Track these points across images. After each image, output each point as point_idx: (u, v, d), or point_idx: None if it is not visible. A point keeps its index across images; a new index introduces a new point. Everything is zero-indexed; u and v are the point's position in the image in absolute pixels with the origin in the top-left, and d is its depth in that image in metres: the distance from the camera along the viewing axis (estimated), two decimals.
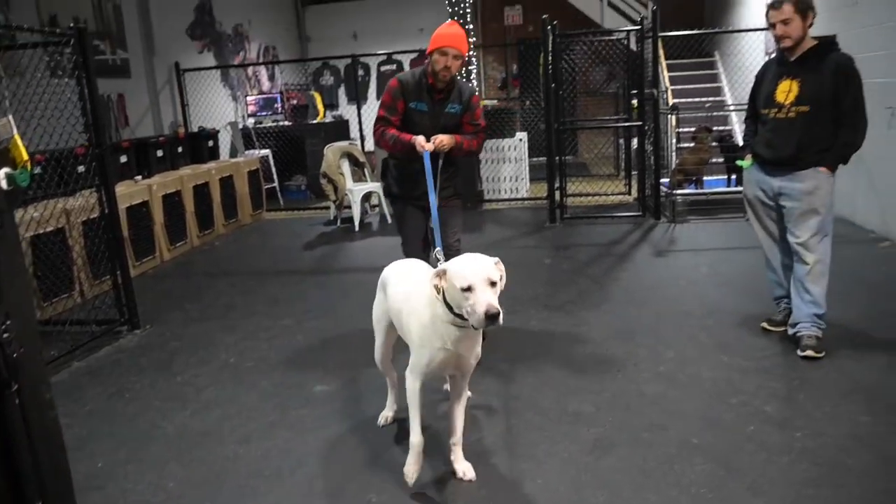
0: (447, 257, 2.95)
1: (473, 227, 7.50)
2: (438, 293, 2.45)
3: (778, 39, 3.68)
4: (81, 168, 6.74)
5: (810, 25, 3.62)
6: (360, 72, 13.11)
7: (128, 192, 6.49)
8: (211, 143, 8.87)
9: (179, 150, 8.15)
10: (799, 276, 3.73)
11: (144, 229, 6.66)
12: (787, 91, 3.66)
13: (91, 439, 3.34)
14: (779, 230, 3.89)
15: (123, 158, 7.14)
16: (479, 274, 2.32)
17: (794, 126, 3.63)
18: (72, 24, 4.62)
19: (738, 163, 4.06)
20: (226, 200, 8.15)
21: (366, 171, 8.26)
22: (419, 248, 4.07)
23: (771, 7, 3.66)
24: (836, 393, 3.23)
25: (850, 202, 6.60)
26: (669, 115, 6.91)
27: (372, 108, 11.10)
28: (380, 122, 3.89)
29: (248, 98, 10.72)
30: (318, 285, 5.81)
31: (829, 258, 3.72)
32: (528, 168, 9.38)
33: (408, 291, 2.75)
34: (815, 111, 3.58)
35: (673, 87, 10.12)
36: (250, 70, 11.28)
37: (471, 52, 8.09)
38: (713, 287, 4.98)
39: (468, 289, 2.30)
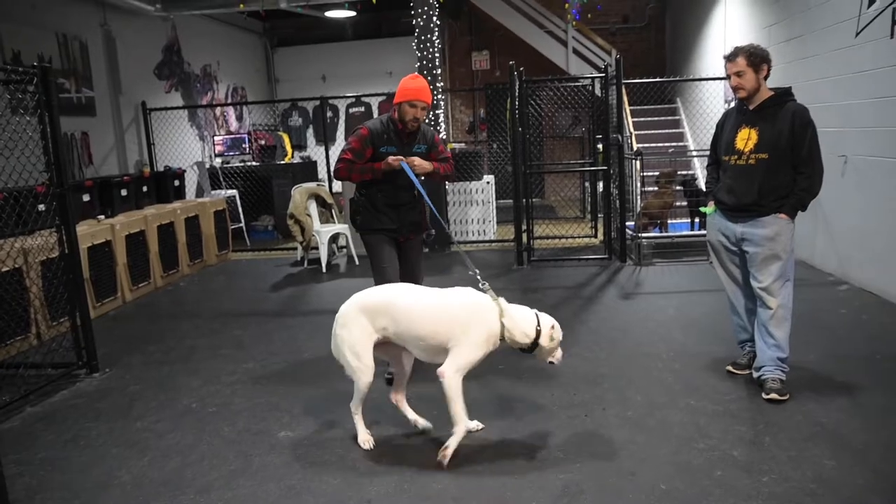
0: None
1: (442, 268, 7.51)
2: (546, 339, 3.22)
3: (734, 90, 3.82)
4: (42, 207, 6.67)
5: (766, 77, 3.76)
6: (329, 113, 13.18)
7: (90, 232, 6.36)
8: (177, 182, 8.78)
9: (144, 189, 8.04)
10: (762, 321, 3.80)
11: (106, 269, 6.52)
12: (746, 139, 3.78)
13: (42, 489, 3.20)
14: (742, 275, 3.97)
15: (86, 197, 7.01)
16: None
17: (755, 173, 3.73)
18: (35, 63, 4.55)
19: (702, 209, 4.16)
20: (191, 240, 8.04)
21: (333, 212, 8.24)
22: (396, 276, 4.23)
23: (727, 59, 3.81)
24: (800, 436, 3.26)
25: (809, 246, 6.78)
26: (634, 160, 7.05)
27: (340, 148, 11.19)
28: (344, 162, 4.14)
29: (216, 138, 10.68)
30: (284, 327, 5.72)
31: (792, 302, 3.80)
32: (495, 210, 9.47)
33: (466, 322, 3.16)
34: (774, 158, 3.70)
35: (637, 132, 10.39)
36: (218, 110, 11.27)
37: (438, 96, 8.20)
38: (680, 330, 5.04)
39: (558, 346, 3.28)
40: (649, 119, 10.79)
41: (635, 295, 6.14)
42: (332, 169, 4.24)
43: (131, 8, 8.44)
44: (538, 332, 3.20)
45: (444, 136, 12.47)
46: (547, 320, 3.26)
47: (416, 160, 4.13)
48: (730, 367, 4.11)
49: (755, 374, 3.84)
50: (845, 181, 6.00)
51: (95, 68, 8.26)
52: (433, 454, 3.26)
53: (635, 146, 10.14)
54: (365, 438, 3.43)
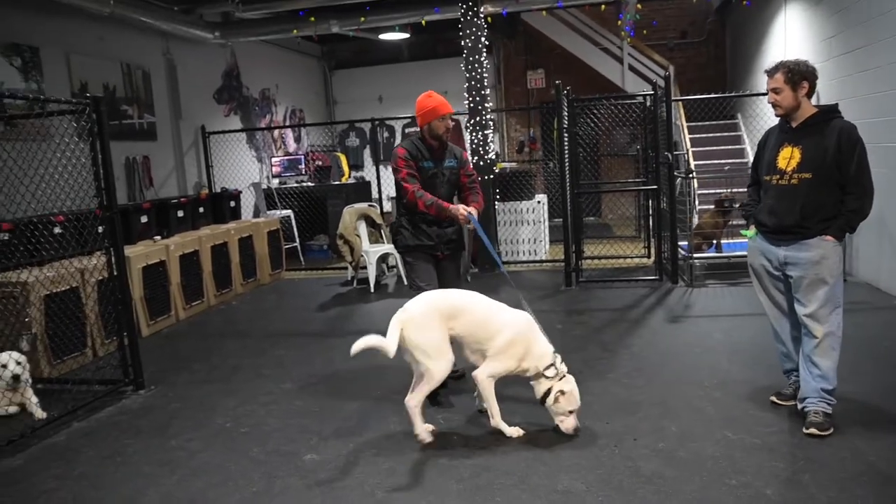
0: None
1: (489, 289, 7.38)
2: (552, 397, 3.62)
3: (772, 106, 3.65)
4: (101, 228, 6.98)
5: (808, 95, 3.58)
6: (386, 133, 13.38)
7: (145, 252, 6.62)
8: (233, 203, 9.04)
9: (201, 210, 8.31)
10: (807, 350, 3.59)
11: (160, 289, 6.76)
12: (788, 158, 3.60)
13: None
14: (786, 301, 3.77)
15: (144, 219, 7.30)
16: (579, 402, 3.65)
17: (797, 193, 3.55)
18: (87, 94, 4.79)
19: (743, 232, 3.97)
20: (245, 260, 8.25)
21: (383, 232, 8.31)
22: (435, 286, 4.40)
23: (767, 73, 3.65)
24: (844, 475, 3.05)
25: (875, 267, 6.42)
26: (684, 179, 6.84)
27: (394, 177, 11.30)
28: (409, 181, 4.35)
29: (273, 159, 10.97)
30: (327, 348, 5.77)
31: (841, 330, 3.57)
32: (547, 230, 9.36)
33: (512, 338, 3.66)
34: (818, 178, 3.50)
35: (694, 149, 10.11)
36: (276, 132, 11.58)
37: (487, 116, 8.20)
38: (725, 356, 4.82)
39: (571, 411, 3.62)
40: (708, 135, 10.47)
41: (683, 318, 5.92)
42: (399, 195, 4.51)
43: (192, 37, 8.79)
44: (546, 392, 3.62)
45: (499, 154, 12.47)
46: (560, 385, 3.60)
47: (459, 211, 4.32)
48: (773, 398, 3.90)
49: (799, 406, 3.63)
50: None
51: (157, 95, 8.63)
52: (451, 482, 3.21)
53: (692, 163, 9.89)
54: (422, 431, 3.65)
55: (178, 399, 4.75)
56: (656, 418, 3.80)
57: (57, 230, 5.96)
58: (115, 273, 4.92)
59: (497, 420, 3.70)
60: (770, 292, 3.83)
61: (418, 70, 12.72)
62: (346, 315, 6.99)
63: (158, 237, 7.28)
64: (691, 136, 10.23)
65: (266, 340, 6.14)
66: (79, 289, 5.71)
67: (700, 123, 10.33)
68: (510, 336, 3.63)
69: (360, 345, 3.50)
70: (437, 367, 3.60)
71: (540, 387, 3.65)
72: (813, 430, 3.43)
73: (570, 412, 3.58)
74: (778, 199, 3.63)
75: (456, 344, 3.72)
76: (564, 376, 3.63)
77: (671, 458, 3.33)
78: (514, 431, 3.67)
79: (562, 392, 3.56)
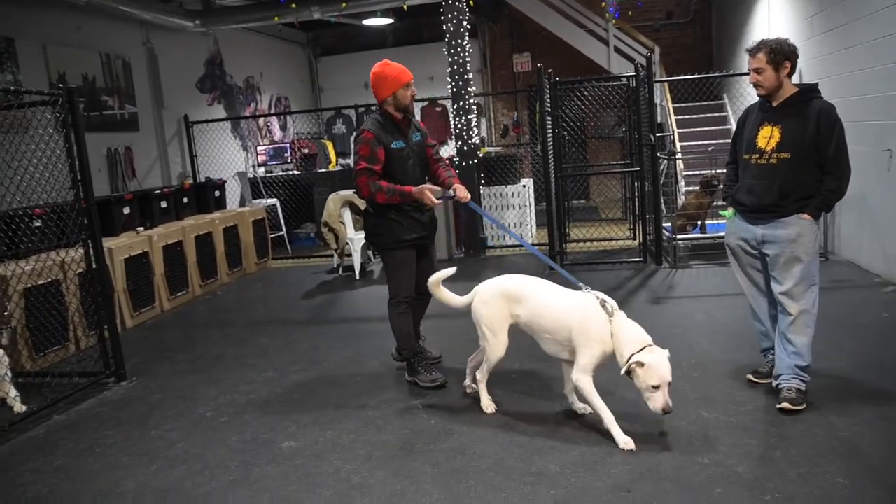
0: (425, 293, 4.10)
1: (473, 274, 7.41)
2: (631, 375, 3.18)
3: (753, 86, 3.64)
4: (85, 220, 6.93)
5: (789, 74, 3.57)
6: None
7: (128, 244, 6.58)
8: (217, 193, 8.99)
9: (185, 200, 8.26)
10: (782, 327, 3.60)
11: (144, 280, 6.73)
12: (768, 137, 3.60)
13: (50, 497, 3.30)
14: (763, 279, 3.78)
15: (126, 210, 7.25)
16: (667, 377, 3.14)
17: (776, 172, 3.55)
18: (61, 85, 4.72)
19: (722, 213, 3.98)
20: (230, 250, 8.22)
21: None
22: (414, 286, 4.20)
23: (749, 53, 3.64)
24: (814, 452, 3.07)
25: (855, 245, 6.43)
26: (667, 160, 6.83)
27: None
28: (364, 173, 4.00)
29: (259, 148, 10.91)
30: (311, 336, 5.76)
31: (816, 308, 3.59)
32: (534, 214, 9.35)
33: (584, 319, 3.36)
34: (797, 158, 3.50)
35: (681, 130, 10.10)
36: (262, 120, 11.51)
37: (470, 101, 8.16)
38: (706, 336, 4.84)
39: (656, 386, 3.11)
40: (695, 116, 10.46)
41: (665, 300, 5.93)
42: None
43: (172, 25, 8.70)
44: (630, 362, 3.18)
45: (484, 138, 12.43)
46: (642, 356, 3.16)
47: (461, 192, 4.08)
48: (750, 376, 3.92)
49: (774, 383, 3.65)
50: (892, 176, 5.65)
51: (138, 85, 8.55)
52: (426, 466, 3.22)
53: (678, 145, 9.88)
54: (487, 404, 3.79)
55: (159, 390, 4.74)
56: (634, 400, 3.77)
57: (37, 223, 5.92)
58: (94, 266, 4.89)
59: (608, 422, 3.32)
60: (747, 271, 3.84)
61: (404, 55, 12.50)
62: (331, 303, 6.98)
63: (142, 228, 7.24)
64: (677, 117, 10.22)
65: (250, 329, 6.13)
66: (60, 282, 5.68)
67: (686, 104, 10.31)
68: (579, 322, 3.36)
69: (442, 274, 3.85)
70: (490, 346, 3.69)
71: (622, 360, 3.26)
72: (785, 405, 3.44)
73: (655, 387, 3.10)
74: (757, 178, 3.63)
75: (529, 335, 3.66)
76: (648, 346, 3.20)
77: (646, 438, 3.34)
78: (627, 443, 3.23)
79: (640, 364, 3.12)
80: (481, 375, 3.84)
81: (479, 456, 3.30)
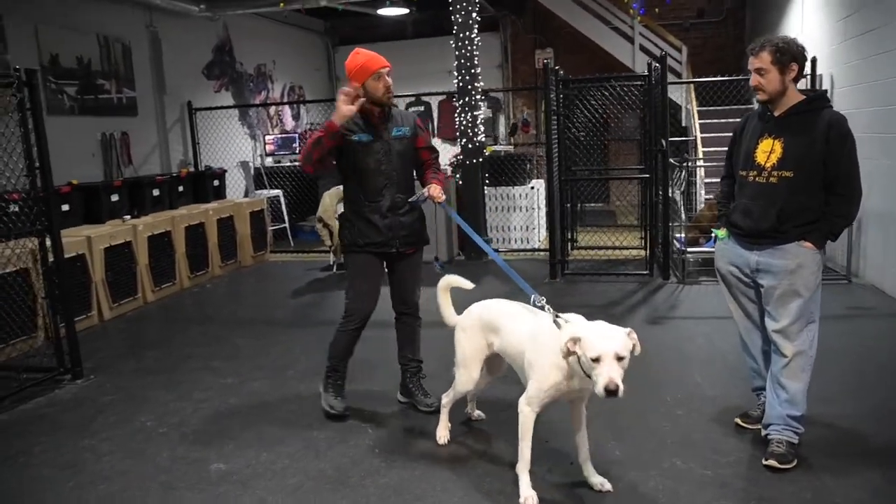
0: (406, 314, 3.87)
1: (473, 279, 7.04)
2: (568, 356, 2.62)
3: (753, 90, 3.20)
4: (66, 207, 6.73)
5: (795, 79, 3.12)
6: None
7: (109, 233, 6.36)
8: (217, 182, 8.75)
9: (180, 189, 8.03)
10: (775, 370, 3.17)
11: (125, 270, 6.50)
12: (768, 152, 3.15)
13: None
14: (758, 312, 3.34)
15: (115, 197, 7.04)
16: (609, 348, 2.50)
17: (776, 193, 3.10)
18: (22, 68, 4.47)
19: (714, 232, 3.54)
20: (224, 241, 7.97)
21: None
22: (374, 303, 3.75)
23: (749, 52, 3.18)
24: None
25: (879, 269, 5.91)
26: (679, 166, 6.37)
27: None
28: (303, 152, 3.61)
29: (267, 137, 10.66)
30: (287, 338, 5.46)
31: (814, 349, 3.15)
32: (543, 217, 8.92)
33: (533, 331, 2.90)
34: (800, 177, 3.05)
35: (704, 135, 9.56)
36: (273, 109, 11.25)
37: (476, 97, 7.77)
38: (700, 365, 4.40)
39: (596, 359, 2.49)
40: (721, 121, 9.89)
41: (666, 319, 5.48)
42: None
43: (177, 9, 8.47)
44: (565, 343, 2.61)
45: (496, 137, 12.00)
46: (572, 330, 2.60)
47: (434, 191, 3.64)
48: (738, 420, 3.49)
49: (763, 432, 3.22)
50: None
51: (139, 69, 8.32)
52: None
53: (700, 150, 9.35)
54: (442, 434, 3.46)
55: (113, 390, 4.49)
56: (603, 439, 3.40)
57: (13, 208, 5.72)
58: (52, 259, 4.64)
59: (520, 468, 2.91)
60: (740, 301, 3.40)
61: (422, 46, 12.27)
62: (318, 303, 6.68)
63: (128, 217, 7.02)
64: (701, 121, 9.67)
65: (228, 327, 5.87)
66: (29, 270, 5.45)
67: (712, 108, 9.76)
68: (531, 346, 2.89)
69: (455, 280, 3.48)
70: (458, 376, 3.35)
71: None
72: (772, 462, 3.01)
73: (596, 360, 2.49)
74: (754, 198, 3.18)
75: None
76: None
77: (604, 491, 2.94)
78: (527, 500, 2.82)
79: (574, 340, 2.58)
80: (446, 400, 3.49)
81: (414, 498, 2.95)
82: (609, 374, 2.45)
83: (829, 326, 5.00)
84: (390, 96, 3.63)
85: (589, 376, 2.56)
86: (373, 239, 3.65)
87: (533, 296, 3.03)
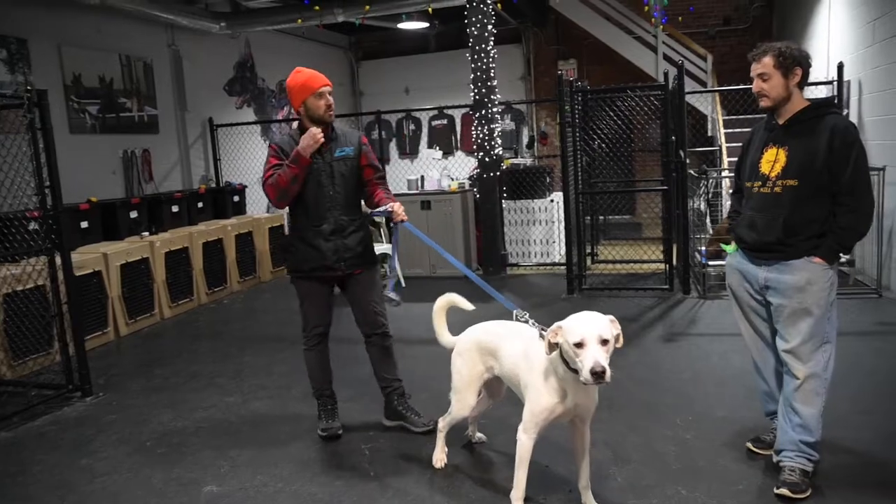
0: (374, 334, 3.82)
1: (484, 295, 6.94)
2: (552, 350, 2.55)
3: (756, 96, 3.06)
4: (85, 224, 6.82)
5: (800, 85, 2.98)
6: (412, 126, 12.97)
7: (125, 249, 6.42)
8: (237, 198, 8.80)
9: (200, 205, 8.09)
10: (787, 393, 3.00)
11: (142, 286, 6.54)
12: (772, 161, 3.02)
13: None
14: (770, 331, 3.17)
15: (133, 214, 7.11)
16: (591, 331, 2.44)
17: (780, 204, 2.95)
18: (28, 87, 4.52)
19: (723, 246, 3.39)
20: (243, 257, 8.00)
21: (382, 231, 7.92)
22: (326, 318, 3.78)
23: (751, 58, 3.05)
24: None
25: None
26: (696, 178, 6.19)
27: (422, 162, 10.89)
28: (271, 180, 3.53)
29: None
30: (295, 356, 5.31)
31: (829, 372, 2.96)
32: (563, 231, 8.76)
33: (525, 349, 2.82)
34: (805, 186, 2.90)
35: (730, 145, 9.32)
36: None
37: (493, 109, 7.68)
38: (714, 385, 4.22)
39: (580, 344, 2.43)
40: (748, 130, 9.60)
41: (682, 336, 5.29)
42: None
43: (198, 28, 8.57)
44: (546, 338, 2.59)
45: (516, 149, 11.88)
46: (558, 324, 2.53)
47: (398, 208, 3.57)
48: (750, 445, 3.32)
49: (774, 459, 3.05)
50: None
51: (160, 87, 8.44)
52: None
53: (725, 161, 9.11)
54: (439, 458, 3.37)
55: (119, 409, 4.49)
56: (606, 463, 3.27)
57: (33, 226, 5.80)
58: (60, 278, 4.68)
59: (514, 498, 2.85)
60: (751, 319, 3.24)
61: (445, 60, 12.25)
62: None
63: (146, 233, 7.08)
64: (727, 130, 9.44)
65: (238, 344, 5.86)
66: (45, 287, 5.51)
67: (739, 117, 9.51)
68: (524, 367, 2.82)
69: (453, 299, 3.37)
70: (454, 401, 3.26)
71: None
72: (784, 492, 2.84)
73: (579, 346, 2.43)
74: (758, 209, 3.04)
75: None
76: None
77: None
78: None
79: (556, 332, 2.54)
80: (442, 424, 3.38)
81: None
82: (594, 356, 2.38)
83: (858, 343, 4.79)
84: (331, 115, 3.57)
85: (576, 372, 2.47)
86: (317, 263, 3.58)
87: (515, 311, 2.98)
